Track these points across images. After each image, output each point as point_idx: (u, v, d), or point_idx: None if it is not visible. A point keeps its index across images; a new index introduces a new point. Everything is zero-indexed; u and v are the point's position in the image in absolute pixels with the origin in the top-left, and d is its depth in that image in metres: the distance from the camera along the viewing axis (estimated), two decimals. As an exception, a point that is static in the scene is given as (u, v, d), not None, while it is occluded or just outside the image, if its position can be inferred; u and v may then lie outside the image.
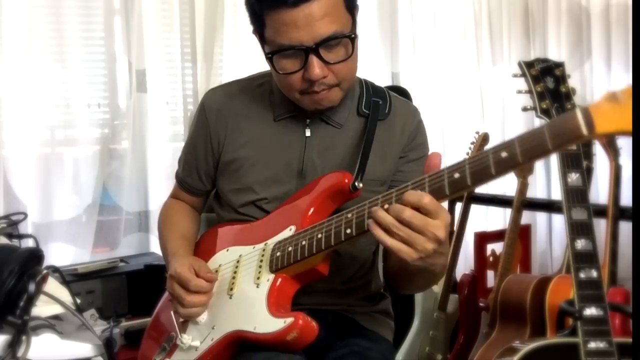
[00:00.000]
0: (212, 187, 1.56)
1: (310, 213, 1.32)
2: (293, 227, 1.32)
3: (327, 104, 1.35)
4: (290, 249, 1.27)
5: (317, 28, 1.23)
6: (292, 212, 1.37)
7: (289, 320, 1.22)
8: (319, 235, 1.23)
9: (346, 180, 1.31)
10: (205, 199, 1.61)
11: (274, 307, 1.26)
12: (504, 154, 1.04)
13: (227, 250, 1.43)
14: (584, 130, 0.97)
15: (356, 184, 1.31)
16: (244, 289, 1.33)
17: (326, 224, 1.24)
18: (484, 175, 1.06)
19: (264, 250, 1.34)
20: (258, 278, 1.31)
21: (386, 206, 1.12)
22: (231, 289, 1.35)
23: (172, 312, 1.39)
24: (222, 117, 1.47)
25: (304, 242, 1.25)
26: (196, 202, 1.60)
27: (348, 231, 1.19)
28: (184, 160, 1.57)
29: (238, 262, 1.38)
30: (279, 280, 1.29)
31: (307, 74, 1.27)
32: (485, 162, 1.05)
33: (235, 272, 1.37)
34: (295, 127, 1.43)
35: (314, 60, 1.25)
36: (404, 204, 1.09)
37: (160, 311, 1.55)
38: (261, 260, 1.33)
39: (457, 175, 1.08)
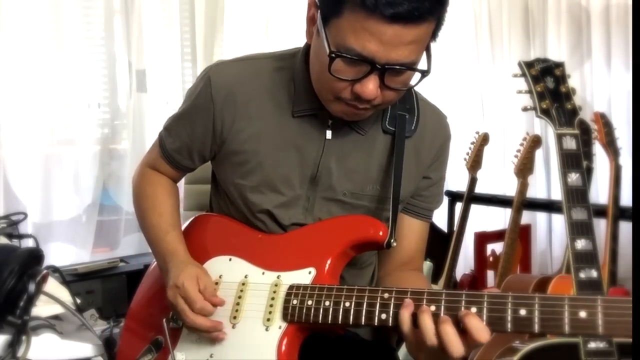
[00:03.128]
0: (200, 164, 1.42)
1: (331, 259, 1.22)
2: (313, 271, 1.21)
3: (356, 118, 1.23)
4: (310, 303, 1.16)
5: (398, 52, 1.07)
6: (311, 248, 1.25)
7: None
8: (347, 304, 1.12)
9: (381, 233, 1.21)
10: (184, 174, 1.46)
11: None
12: (582, 314, 0.94)
13: (230, 259, 1.31)
14: None
15: (392, 242, 1.21)
16: (250, 325, 1.22)
17: (356, 293, 1.13)
18: (554, 329, 0.97)
19: (276, 285, 1.23)
20: (268, 320, 1.20)
21: (433, 307, 1.03)
22: (234, 317, 1.23)
23: (163, 320, 1.27)
24: (232, 99, 1.28)
25: (327, 304, 1.14)
26: (177, 177, 1.45)
27: (383, 317, 1.09)
28: (175, 132, 1.37)
29: (244, 285, 1.26)
30: (292, 331, 1.19)
31: (359, 88, 1.11)
32: (559, 316, 0.96)
33: (240, 297, 1.25)
34: (315, 126, 1.27)
35: (374, 80, 1.10)
36: (460, 321, 1.00)
37: (145, 305, 1.43)
38: (272, 298, 1.22)
39: (523, 312, 0.98)
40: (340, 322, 1.13)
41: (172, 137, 1.38)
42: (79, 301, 1.49)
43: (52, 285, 1.43)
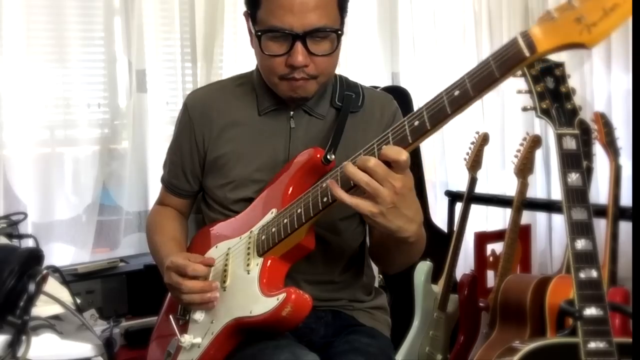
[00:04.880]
0: (199, 187, 1.58)
1: (289, 193, 1.35)
2: (274, 210, 1.36)
3: (302, 93, 1.40)
4: (273, 229, 1.31)
5: (309, 18, 1.29)
6: (271, 196, 1.40)
7: (282, 296, 1.24)
8: (299, 210, 1.27)
9: (318, 155, 1.35)
10: (193, 201, 1.63)
11: (266, 288, 1.28)
12: (456, 92, 1.09)
13: (216, 247, 1.45)
14: (526, 52, 1.04)
15: (328, 156, 1.34)
16: (236, 278, 1.36)
17: (303, 198, 1.28)
18: (441, 117, 1.11)
19: (250, 238, 1.37)
20: (248, 265, 1.34)
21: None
22: (224, 282, 1.37)
23: (170, 316, 1.41)
24: (206, 115, 1.51)
25: (285, 220, 1.29)
26: (183, 205, 1.62)
27: (325, 200, 1.23)
28: (169, 163, 1.59)
29: (227, 255, 1.40)
30: (268, 262, 1.32)
31: (290, 59, 1.33)
32: (441, 103, 1.11)
33: (226, 265, 1.39)
34: (280, 118, 1.47)
35: (299, 48, 1.31)
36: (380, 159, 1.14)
37: (162, 318, 1.57)
38: (249, 248, 1.36)
39: (416, 122, 1.13)
40: (297, 227, 1.27)
41: (169, 167, 1.60)
42: (79, 301, 1.48)
43: (52, 285, 1.43)
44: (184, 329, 1.40)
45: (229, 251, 1.41)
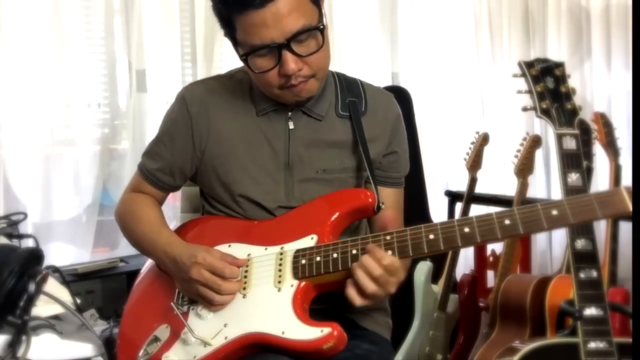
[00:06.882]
0: (182, 183, 1.54)
1: (331, 224, 1.35)
2: (315, 237, 1.34)
3: (307, 94, 1.38)
4: (318, 259, 1.30)
5: (286, 24, 1.25)
6: (310, 220, 1.37)
7: (327, 330, 1.23)
8: (354, 252, 1.28)
9: (370, 200, 1.37)
10: (167, 195, 1.58)
11: (302, 315, 1.27)
12: (554, 212, 1.19)
13: (229, 246, 1.41)
14: (630, 207, 1.16)
15: (381, 205, 1.38)
16: (262, 291, 1.32)
17: (360, 241, 1.29)
18: (535, 228, 1.21)
19: (281, 254, 1.34)
20: (279, 282, 1.31)
21: (390, 252, 1.26)
22: (244, 289, 1.33)
23: (172, 303, 1.35)
24: (205, 111, 1.45)
25: (335, 255, 1.29)
26: (160, 197, 1.56)
27: (389, 253, 1.26)
28: (155, 154, 1.52)
29: (249, 261, 1.37)
30: (303, 287, 1.30)
31: (283, 70, 1.30)
32: (537, 215, 1.20)
33: (246, 272, 1.35)
34: (278, 120, 1.45)
35: (288, 56, 1.28)
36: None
37: (145, 302, 1.49)
38: (280, 264, 1.33)
39: (507, 222, 1.20)
40: (349, 267, 1.27)
41: (154, 159, 1.52)
42: (79, 301, 1.49)
43: (52, 285, 1.43)
44: (183, 318, 1.34)
45: (250, 258, 1.37)
